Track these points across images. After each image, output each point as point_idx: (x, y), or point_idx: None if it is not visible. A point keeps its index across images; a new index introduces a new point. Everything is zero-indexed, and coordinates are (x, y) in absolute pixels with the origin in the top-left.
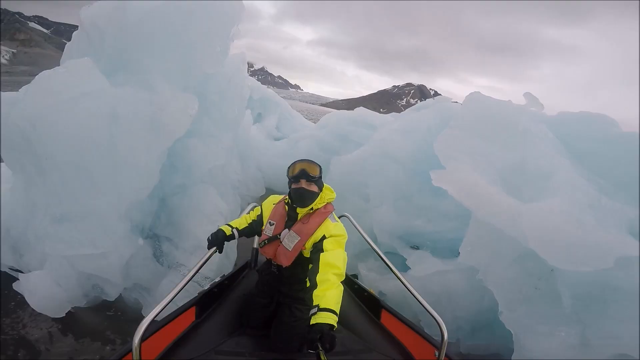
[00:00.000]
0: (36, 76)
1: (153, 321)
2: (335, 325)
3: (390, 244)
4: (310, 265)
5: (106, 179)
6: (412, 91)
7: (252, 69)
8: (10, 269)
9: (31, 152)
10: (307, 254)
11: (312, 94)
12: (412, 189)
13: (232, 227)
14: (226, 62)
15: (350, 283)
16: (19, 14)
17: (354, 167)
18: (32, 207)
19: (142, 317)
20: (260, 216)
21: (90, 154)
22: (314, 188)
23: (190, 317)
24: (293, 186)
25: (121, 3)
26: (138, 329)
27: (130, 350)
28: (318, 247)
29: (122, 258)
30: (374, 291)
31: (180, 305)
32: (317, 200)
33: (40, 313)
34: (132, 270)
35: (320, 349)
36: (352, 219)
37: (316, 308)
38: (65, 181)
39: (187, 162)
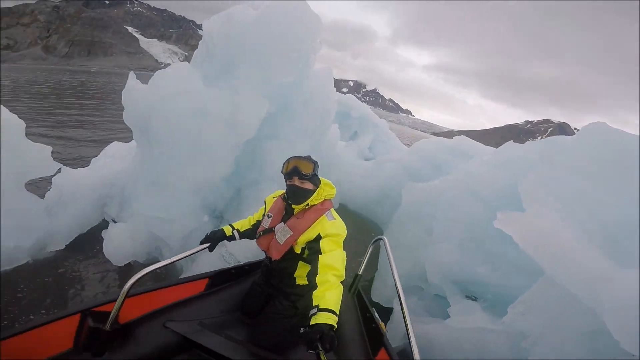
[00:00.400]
0: (154, 73)
1: (159, 277)
2: (335, 325)
3: (440, 286)
4: (301, 263)
5: (189, 160)
6: (550, 129)
7: (363, 90)
8: (112, 220)
9: (146, 133)
10: (298, 249)
11: (425, 121)
12: (487, 232)
13: (234, 229)
14: (312, 74)
15: (360, 299)
16: (192, 21)
17: (427, 196)
18: (139, 172)
19: None
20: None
21: (181, 139)
22: (308, 185)
23: (199, 287)
24: (287, 183)
25: (229, 16)
26: (124, 287)
27: (115, 300)
28: (315, 248)
29: (185, 228)
30: (377, 317)
31: (195, 274)
32: (313, 196)
33: (107, 259)
34: (190, 241)
35: (320, 349)
36: (387, 243)
37: (316, 308)
38: (161, 156)
39: (262, 160)
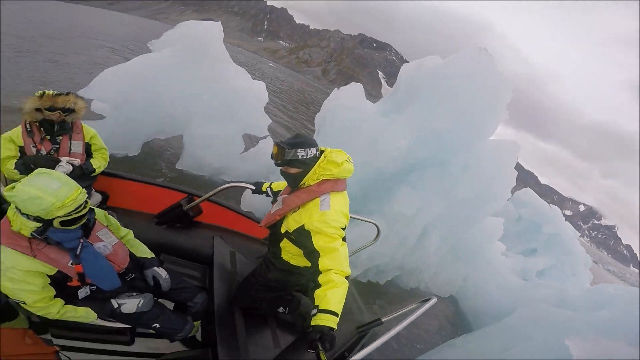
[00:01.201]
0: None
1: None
2: (335, 327)
3: None
4: (286, 241)
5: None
6: None
7: (595, 222)
8: None
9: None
10: (282, 229)
11: None
12: None
13: (269, 187)
14: (489, 142)
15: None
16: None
17: None
18: None
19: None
20: None
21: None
22: (293, 170)
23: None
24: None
25: (419, 64)
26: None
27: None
28: (306, 243)
29: None
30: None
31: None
32: (309, 175)
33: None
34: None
35: (320, 349)
36: None
37: (316, 309)
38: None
39: (384, 199)
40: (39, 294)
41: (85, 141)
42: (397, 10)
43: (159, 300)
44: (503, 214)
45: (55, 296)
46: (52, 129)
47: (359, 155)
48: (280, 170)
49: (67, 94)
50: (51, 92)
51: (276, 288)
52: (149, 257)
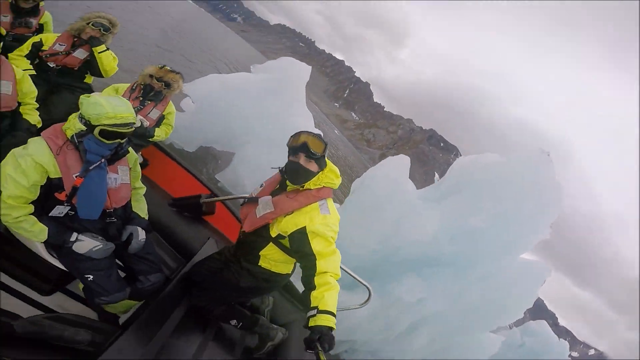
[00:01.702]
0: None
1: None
2: (334, 327)
3: None
4: (272, 245)
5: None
6: None
7: None
8: None
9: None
10: (273, 232)
11: None
12: None
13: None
14: (524, 263)
15: None
16: None
17: None
18: None
19: None
20: None
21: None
22: (312, 167)
23: None
24: (290, 158)
25: (475, 158)
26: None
27: None
28: (303, 247)
29: None
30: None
31: None
32: (312, 180)
33: None
34: None
35: (320, 349)
36: None
37: (315, 310)
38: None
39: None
40: (21, 191)
41: (163, 113)
42: (477, 114)
43: (115, 259)
44: (506, 334)
45: (31, 202)
46: (147, 94)
47: (382, 227)
48: (297, 162)
49: (177, 73)
50: (168, 67)
51: (245, 294)
52: (142, 216)
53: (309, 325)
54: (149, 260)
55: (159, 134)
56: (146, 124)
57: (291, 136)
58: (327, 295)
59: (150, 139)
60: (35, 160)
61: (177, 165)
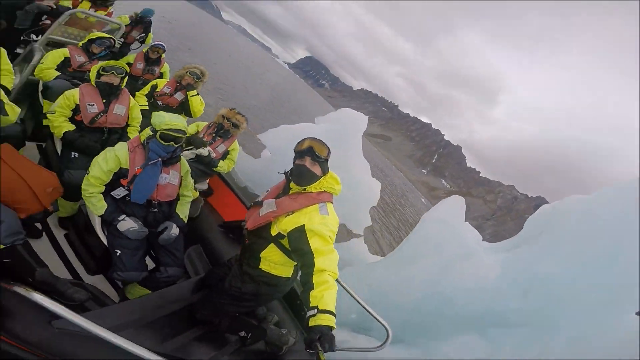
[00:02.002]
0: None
1: None
2: (335, 326)
3: None
4: (273, 246)
5: None
6: None
7: None
8: None
9: None
10: (274, 231)
11: None
12: None
13: None
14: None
15: None
16: None
17: None
18: None
19: None
20: None
21: None
22: (317, 170)
23: None
24: (296, 162)
25: (558, 204)
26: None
27: None
28: (302, 245)
29: None
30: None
31: None
32: (314, 184)
33: None
34: None
35: (320, 349)
36: None
37: (315, 309)
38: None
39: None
40: (100, 173)
41: (228, 149)
42: (601, 174)
43: (148, 247)
44: None
45: (105, 185)
46: (219, 131)
47: (429, 274)
48: (303, 165)
49: (243, 115)
50: (236, 110)
51: (247, 301)
52: (181, 217)
53: (309, 325)
54: (174, 255)
55: (222, 166)
56: (213, 155)
57: (298, 142)
58: (327, 294)
59: (214, 169)
60: (116, 153)
61: (235, 196)
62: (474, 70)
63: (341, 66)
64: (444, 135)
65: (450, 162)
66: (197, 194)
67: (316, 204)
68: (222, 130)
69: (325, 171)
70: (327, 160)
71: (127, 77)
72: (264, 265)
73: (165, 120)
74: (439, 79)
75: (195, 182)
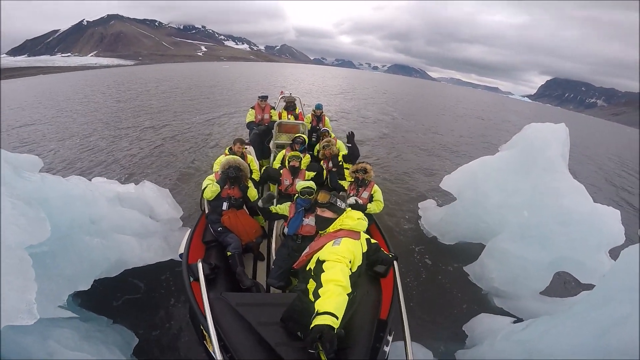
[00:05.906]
0: None
1: None
2: (335, 326)
3: None
4: (311, 280)
5: None
6: None
7: None
8: None
9: None
10: (307, 267)
11: None
12: None
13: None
14: None
15: None
16: None
17: None
18: None
19: None
20: None
21: None
22: (327, 214)
23: None
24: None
25: None
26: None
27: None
28: (320, 271)
29: None
30: None
31: None
32: (332, 224)
33: None
34: None
35: (320, 349)
36: None
37: (316, 313)
38: None
39: None
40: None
41: (371, 194)
42: None
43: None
44: None
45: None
46: (358, 183)
47: None
48: (316, 214)
49: (368, 164)
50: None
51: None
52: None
53: (310, 327)
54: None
55: (372, 208)
56: (360, 201)
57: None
58: (328, 300)
59: (364, 212)
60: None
61: (379, 233)
62: None
63: (605, 73)
64: None
65: None
66: None
67: (333, 239)
68: (360, 181)
69: (337, 212)
70: (332, 203)
71: None
72: (310, 296)
73: (301, 185)
74: None
75: None
